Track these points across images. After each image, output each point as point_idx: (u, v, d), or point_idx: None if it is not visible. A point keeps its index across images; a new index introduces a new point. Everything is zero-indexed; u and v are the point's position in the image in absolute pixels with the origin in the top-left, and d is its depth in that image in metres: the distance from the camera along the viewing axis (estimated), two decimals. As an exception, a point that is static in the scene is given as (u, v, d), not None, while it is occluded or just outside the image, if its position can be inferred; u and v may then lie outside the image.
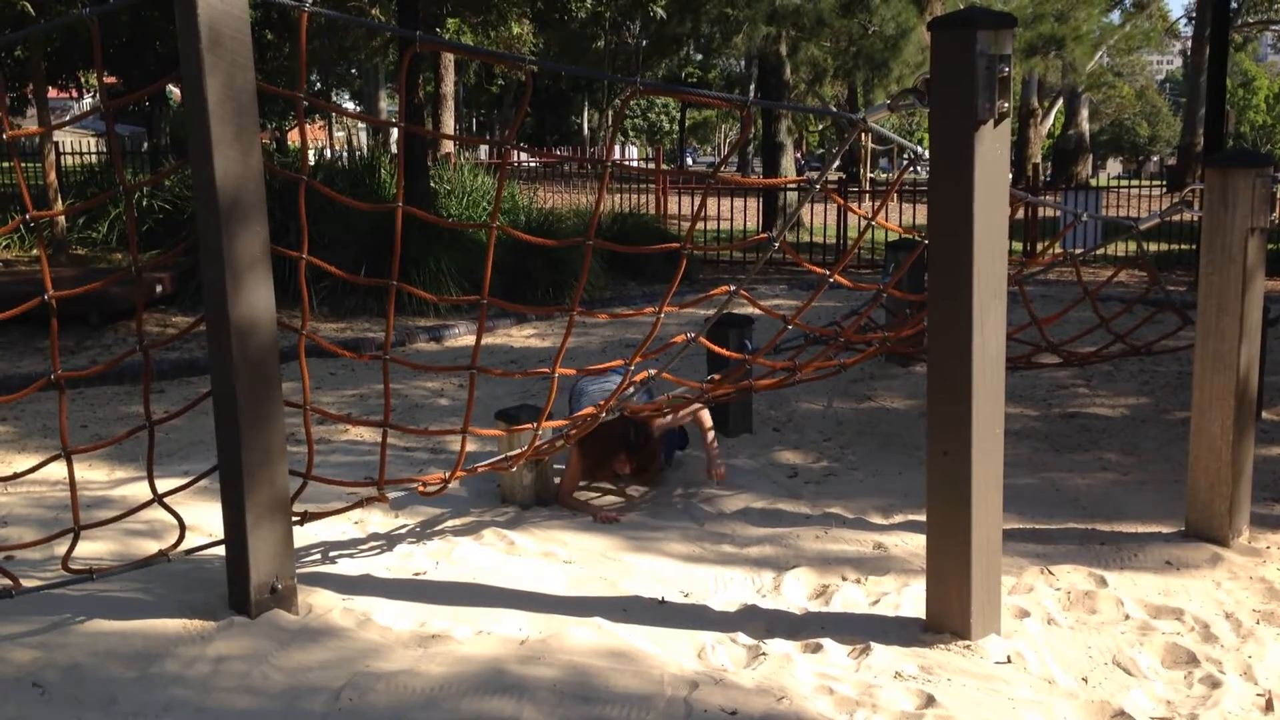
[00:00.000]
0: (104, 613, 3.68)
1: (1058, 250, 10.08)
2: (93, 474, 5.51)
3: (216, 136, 3.32)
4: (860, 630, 3.68)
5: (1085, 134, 31.65)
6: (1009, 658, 3.45)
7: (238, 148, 3.37)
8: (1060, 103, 31.76)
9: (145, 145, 19.68)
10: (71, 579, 3.80)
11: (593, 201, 15.97)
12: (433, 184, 12.06)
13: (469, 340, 9.54)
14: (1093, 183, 28.46)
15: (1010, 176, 3.43)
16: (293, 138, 26.77)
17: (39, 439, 6.30)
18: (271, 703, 3.15)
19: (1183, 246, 14.74)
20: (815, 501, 5.14)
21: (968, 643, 3.51)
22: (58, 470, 4.86)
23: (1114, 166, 54.27)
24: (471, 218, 11.93)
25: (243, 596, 3.65)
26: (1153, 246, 15.38)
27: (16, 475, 3.99)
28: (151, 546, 4.21)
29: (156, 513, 3.99)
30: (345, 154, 14.23)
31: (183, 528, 3.92)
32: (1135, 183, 23.21)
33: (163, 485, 3.93)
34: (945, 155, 3.36)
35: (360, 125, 32.09)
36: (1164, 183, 24.52)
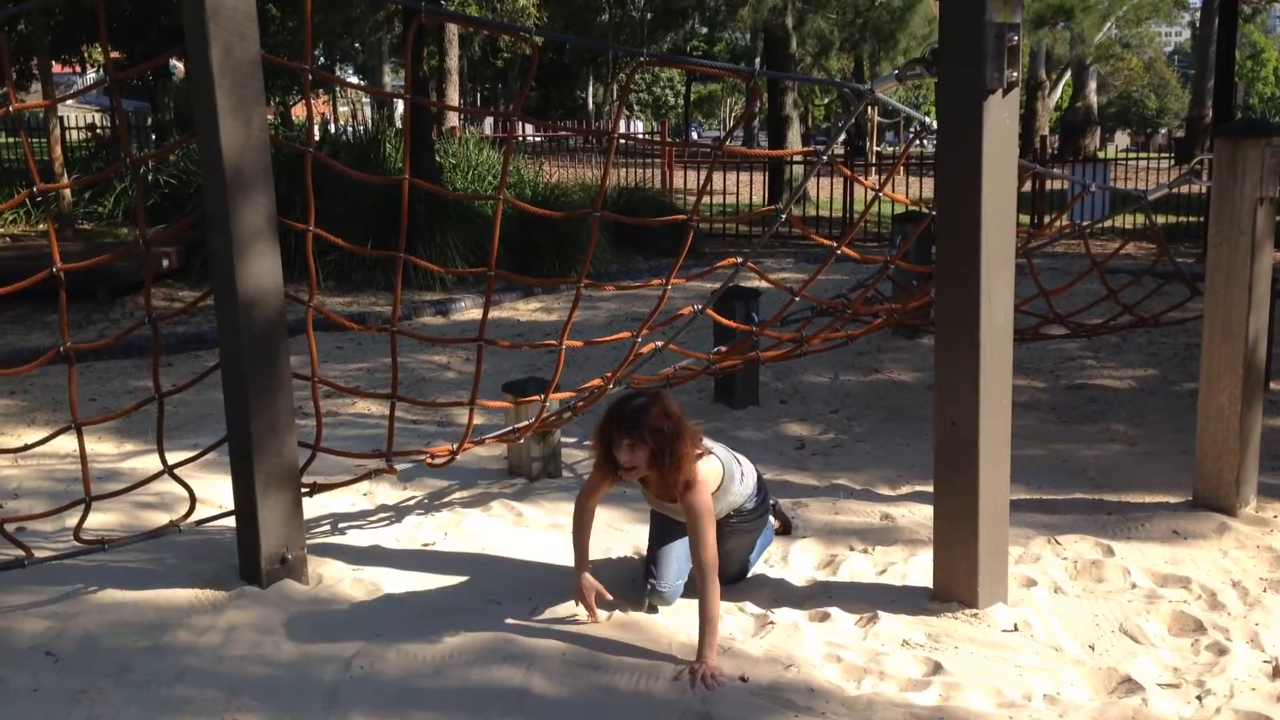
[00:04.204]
0: (116, 583, 3.71)
1: (1066, 222, 10.05)
2: (102, 447, 5.53)
3: (221, 106, 3.33)
4: (868, 599, 3.69)
5: (1093, 106, 31.45)
6: (1016, 626, 3.47)
7: (241, 117, 3.38)
8: (1068, 75, 31.53)
9: (150, 120, 19.62)
10: (83, 550, 3.82)
11: (598, 175, 15.93)
12: (438, 158, 12.01)
13: (475, 314, 9.54)
14: (1101, 155, 28.32)
15: (1018, 148, 3.41)
16: (297, 112, 26.72)
17: (48, 412, 6.32)
18: (283, 671, 3.18)
19: (1191, 219, 14.67)
20: (822, 473, 5.15)
21: (975, 611, 3.52)
22: (67, 443, 4.87)
23: (1122, 139, 53.92)
24: (477, 191, 11.89)
25: (253, 567, 3.67)
26: (1161, 218, 15.30)
27: (27, 447, 4.01)
28: (162, 518, 4.23)
29: (166, 485, 4.02)
30: (349, 128, 14.20)
31: (193, 499, 3.94)
32: (1143, 155, 23.09)
33: (172, 458, 3.95)
34: (953, 125, 3.34)
35: (365, 100, 32.01)
36: (1172, 155, 24.38)
